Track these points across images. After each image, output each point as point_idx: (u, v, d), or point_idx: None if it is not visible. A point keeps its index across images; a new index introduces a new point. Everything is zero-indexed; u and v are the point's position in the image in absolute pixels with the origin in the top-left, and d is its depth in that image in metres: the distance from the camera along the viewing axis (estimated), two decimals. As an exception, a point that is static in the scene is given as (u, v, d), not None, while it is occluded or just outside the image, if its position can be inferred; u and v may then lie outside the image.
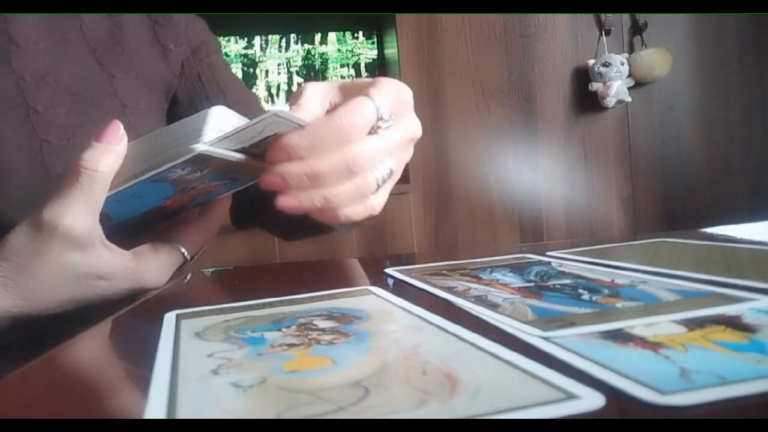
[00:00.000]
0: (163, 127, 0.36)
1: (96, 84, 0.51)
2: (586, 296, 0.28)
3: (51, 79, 0.48)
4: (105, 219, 0.37)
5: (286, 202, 0.35)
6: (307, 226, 0.57)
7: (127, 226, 0.42)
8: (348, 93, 0.38)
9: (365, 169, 0.36)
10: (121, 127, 0.36)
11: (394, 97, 0.37)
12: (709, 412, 0.15)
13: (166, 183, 0.37)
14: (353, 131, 0.35)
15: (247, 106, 0.62)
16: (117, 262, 0.37)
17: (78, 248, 0.35)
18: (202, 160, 0.34)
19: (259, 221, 0.65)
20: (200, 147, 0.33)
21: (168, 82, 0.59)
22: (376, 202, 0.39)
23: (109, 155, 0.35)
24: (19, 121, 0.46)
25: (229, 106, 0.62)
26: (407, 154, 0.40)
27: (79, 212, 0.34)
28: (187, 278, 0.45)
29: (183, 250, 0.42)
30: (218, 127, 0.34)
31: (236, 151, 0.36)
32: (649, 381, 0.16)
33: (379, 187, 0.37)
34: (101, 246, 0.36)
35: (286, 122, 0.34)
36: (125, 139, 0.36)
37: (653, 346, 0.20)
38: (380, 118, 0.36)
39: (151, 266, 0.39)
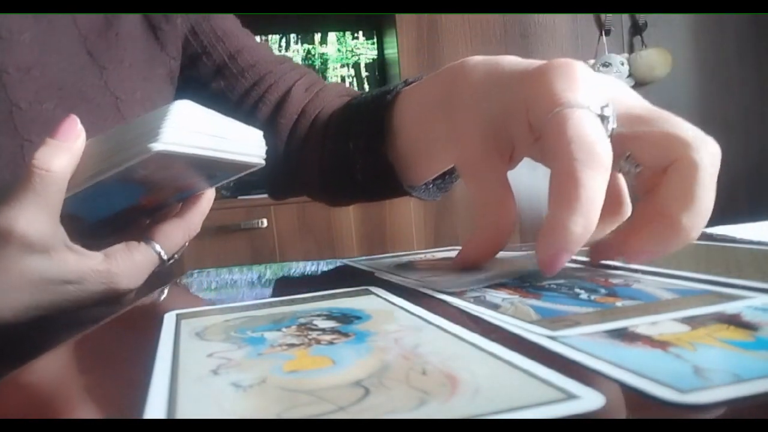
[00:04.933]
0: (124, 124, 0.34)
1: (86, 76, 0.49)
2: (584, 295, 0.28)
3: (37, 73, 0.46)
4: (76, 220, 0.36)
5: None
6: (362, 188, 0.51)
7: (107, 222, 0.40)
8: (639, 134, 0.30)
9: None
10: (78, 122, 0.34)
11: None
12: (730, 411, 0.15)
13: (133, 183, 0.35)
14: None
15: (239, 53, 0.59)
16: (84, 266, 0.35)
17: (37, 253, 0.33)
18: (163, 159, 0.33)
19: (298, 189, 0.60)
20: (157, 146, 0.31)
21: (166, 65, 0.57)
22: None
23: (63, 154, 0.33)
24: None
25: (229, 56, 0.56)
26: None
27: (34, 216, 0.32)
28: (165, 291, 0.42)
29: (159, 249, 0.39)
30: (182, 124, 0.32)
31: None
32: (666, 379, 0.16)
33: None
34: (65, 249, 0.34)
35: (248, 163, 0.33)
36: (83, 135, 0.34)
37: (661, 344, 0.20)
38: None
39: (123, 268, 0.37)
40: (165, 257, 0.40)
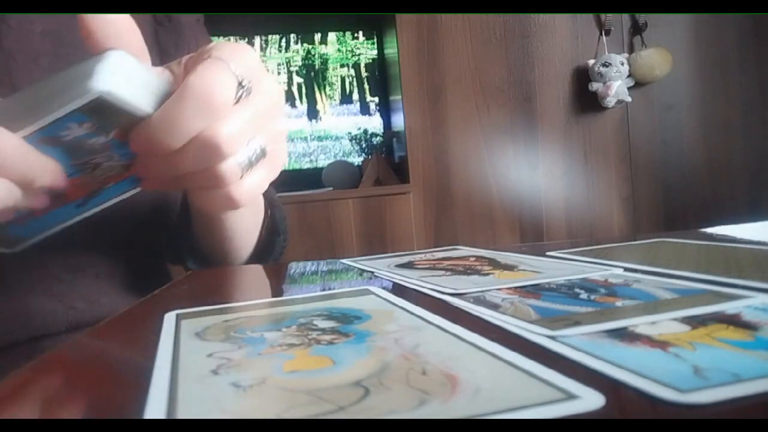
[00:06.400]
0: (46, 77, 0.29)
1: None
2: (583, 295, 0.28)
3: (46, 62, 0.45)
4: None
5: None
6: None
7: (40, 243, 0.35)
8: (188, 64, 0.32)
9: (229, 152, 0.30)
10: None
11: (240, 56, 0.31)
12: (730, 411, 0.15)
13: (58, 150, 0.30)
14: (215, 103, 0.29)
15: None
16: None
17: None
18: (102, 111, 0.28)
19: (181, 257, 0.60)
20: (100, 86, 0.26)
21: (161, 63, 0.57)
22: (239, 193, 0.33)
23: None
24: None
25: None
26: (277, 127, 0.34)
27: None
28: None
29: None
30: (118, 72, 0.28)
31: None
32: (666, 379, 0.16)
33: (243, 172, 0.32)
34: None
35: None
36: None
37: (661, 344, 0.20)
38: (239, 84, 0.30)
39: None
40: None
